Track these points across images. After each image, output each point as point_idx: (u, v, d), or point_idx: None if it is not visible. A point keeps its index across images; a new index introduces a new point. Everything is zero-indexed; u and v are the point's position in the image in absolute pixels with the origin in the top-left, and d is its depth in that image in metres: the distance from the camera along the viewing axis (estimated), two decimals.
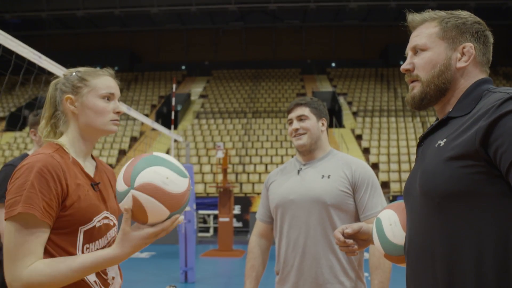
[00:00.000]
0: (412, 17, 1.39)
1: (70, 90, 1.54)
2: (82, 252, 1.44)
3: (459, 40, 1.30)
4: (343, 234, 1.57)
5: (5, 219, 1.35)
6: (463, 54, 1.30)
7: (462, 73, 1.30)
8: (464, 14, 1.34)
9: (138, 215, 1.30)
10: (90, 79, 1.55)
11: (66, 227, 1.41)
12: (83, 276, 1.36)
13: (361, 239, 1.61)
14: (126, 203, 1.29)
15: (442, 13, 1.35)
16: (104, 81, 1.56)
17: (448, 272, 1.17)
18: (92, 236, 1.47)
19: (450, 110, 1.29)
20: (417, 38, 1.35)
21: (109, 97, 1.56)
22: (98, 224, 1.49)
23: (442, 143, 1.21)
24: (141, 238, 1.32)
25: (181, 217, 1.34)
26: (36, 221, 1.33)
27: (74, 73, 1.57)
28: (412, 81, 1.35)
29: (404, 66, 1.36)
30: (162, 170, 1.29)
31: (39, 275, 1.31)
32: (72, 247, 1.42)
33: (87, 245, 1.45)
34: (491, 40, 1.34)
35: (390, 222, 1.49)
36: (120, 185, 1.32)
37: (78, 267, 1.34)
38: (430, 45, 1.32)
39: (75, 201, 1.42)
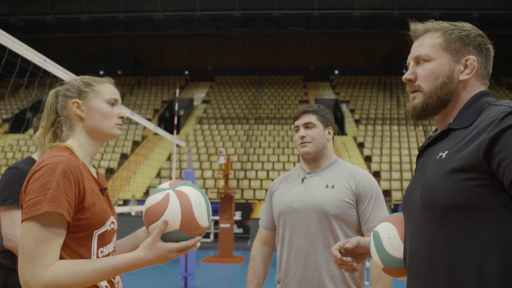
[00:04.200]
0: (415, 27, 1.38)
1: (76, 95, 1.57)
2: (97, 256, 1.46)
3: (463, 52, 1.30)
4: (340, 251, 1.55)
5: (25, 219, 1.34)
6: (466, 66, 1.30)
7: (464, 85, 1.30)
8: (467, 26, 1.34)
9: (156, 210, 1.41)
10: (95, 85, 1.60)
11: (82, 231, 1.42)
12: (104, 279, 1.37)
13: (358, 254, 1.59)
14: (156, 199, 1.41)
15: (445, 24, 1.34)
16: (108, 87, 1.62)
17: (450, 285, 1.16)
18: (104, 239, 1.50)
19: (451, 121, 1.29)
20: (420, 48, 1.34)
21: (113, 103, 1.61)
22: (108, 228, 1.52)
23: (443, 155, 1.21)
24: (166, 250, 1.38)
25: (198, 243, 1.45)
26: (60, 221, 1.34)
27: (78, 80, 1.61)
28: (413, 91, 1.34)
29: (406, 76, 1.35)
30: (201, 198, 1.45)
31: (62, 275, 1.31)
32: (87, 251, 1.43)
33: (101, 249, 1.48)
34: (492, 53, 1.34)
35: (389, 235, 1.46)
36: (163, 185, 1.47)
37: (102, 267, 1.35)
38: (434, 56, 1.31)
39: (91, 205, 1.44)
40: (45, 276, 1.30)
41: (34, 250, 1.31)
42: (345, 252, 1.56)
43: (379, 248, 1.47)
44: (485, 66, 1.32)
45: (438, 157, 1.23)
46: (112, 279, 1.52)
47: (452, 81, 1.29)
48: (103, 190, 1.57)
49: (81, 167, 1.47)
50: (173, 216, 1.38)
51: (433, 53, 1.31)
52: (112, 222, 1.55)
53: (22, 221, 1.36)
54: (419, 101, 1.33)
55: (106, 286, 1.48)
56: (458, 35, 1.31)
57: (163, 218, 1.38)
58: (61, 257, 1.37)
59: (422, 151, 1.33)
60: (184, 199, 1.40)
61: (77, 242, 1.41)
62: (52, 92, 1.62)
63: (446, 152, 1.21)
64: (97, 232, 1.46)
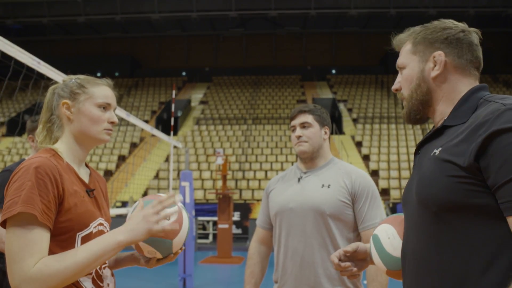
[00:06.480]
0: (395, 42, 1.44)
1: (68, 95, 1.55)
2: None
3: (429, 51, 1.32)
4: (340, 258, 1.54)
5: (3, 221, 1.33)
6: (436, 63, 1.31)
7: (441, 80, 1.30)
8: (436, 24, 1.35)
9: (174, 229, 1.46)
10: (89, 87, 1.56)
11: (64, 233, 1.40)
12: (94, 260, 1.34)
13: (359, 259, 1.59)
14: (171, 211, 1.46)
15: (415, 29, 1.38)
16: (102, 90, 1.58)
17: (443, 282, 1.16)
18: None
19: (446, 118, 1.29)
20: (399, 58, 1.41)
21: (105, 107, 1.57)
22: (94, 230, 1.49)
23: (437, 152, 1.21)
24: (141, 212, 1.41)
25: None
26: (36, 222, 1.32)
27: (73, 80, 1.58)
28: (402, 99, 1.40)
29: (394, 86, 1.43)
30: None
31: (50, 267, 1.29)
32: None
33: None
34: (470, 39, 1.31)
35: (388, 236, 1.45)
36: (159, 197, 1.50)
37: (87, 246, 1.34)
38: (406, 62, 1.37)
39: (72, 206, 1.42)
40: (33, 274, 1.28)
41: (19, 252, 1.30)
42: (345, 258, 1.56)
43: (379, 250, 1.46)
44: (459, 56, 1.30)
45: (432, 154, 1.23)
46: (99, 283, 1.49)
47: (425, 81, 1.32)
48: (89, 192, 1.54)
49: (63, 169, 1.44)
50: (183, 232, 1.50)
51: (405, 59, 1.37)
52: (100, 224, 1.53)
53: (1, 225, 1.36)
54: (405, 107, 1.38)
55: None
56: (423, 36, 1.34)
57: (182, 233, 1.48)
58: None
59: (419, 148, 1.34)
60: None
61: (58, 245, 1.39)
62: (50, 88, 1.60)
63: (440, 149, 1.21)
64: (80, 235, 1.44)
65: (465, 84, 1.30)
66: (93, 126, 1.54)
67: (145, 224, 1.37)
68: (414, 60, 1.35)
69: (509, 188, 1.05)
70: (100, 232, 1.52)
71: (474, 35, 1.32)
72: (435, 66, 1.30)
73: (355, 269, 1.56)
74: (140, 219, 1.38)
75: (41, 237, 1.33)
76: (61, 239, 1.40)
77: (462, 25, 1.33)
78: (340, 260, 1.55)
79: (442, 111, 1.31)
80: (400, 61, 1.39)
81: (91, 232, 1.47)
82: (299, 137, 2.28)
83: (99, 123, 1.55)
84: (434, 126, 1.37)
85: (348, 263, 1.54)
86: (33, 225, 1.32)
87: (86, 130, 1.53)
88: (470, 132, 1.15)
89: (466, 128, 1.18)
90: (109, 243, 1.35)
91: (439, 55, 1.30)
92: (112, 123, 1.58)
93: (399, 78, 1.41)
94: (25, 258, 1.29)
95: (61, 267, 1.30)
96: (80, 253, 1.33)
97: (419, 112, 1.35)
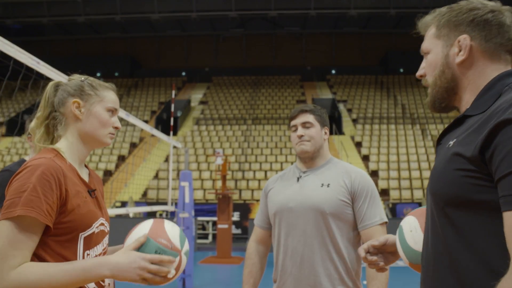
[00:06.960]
0: (419, 25, 1.35)
1: (78, 94, 1.55)
2: (83, 259, 1.43)
3: (454, 34, 1.23)
4: (368, 250, 1.51)
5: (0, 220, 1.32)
6: (460, 48, 1.22)
7: (466, 66, 1.22)
8: (462, 4, 1.25)
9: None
10: (101, 90, 1.58)
11: (66, 234, 1.40)
12: (75, 282, 1.33)
13: (388, 252, 1.55)
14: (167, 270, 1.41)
15: (441, 10, 1.29)
16: (111, 95, 1.61)
17: (448, 281, 1.13)
18: (91, 242, 1.47)
19: (468, 107, 1.21)
20: (423, 42, 1.32)
21: (113, 111, 1.60)
22: (96, 230, 1.49)
23: (451, 143, 1.14)
24: (138, 256, 1.37)
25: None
26: (35, 224, 1.31)
27: (84, 80, 1.59)
28: (427, 85, 1.32)
29: (418, 72, 1.34)
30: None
31: (28, 276, 1.28)
32: (72, 254, 1.41)
33: (87, 252, 1.45)
34: (500, 20, 1.20)
35: (411, 229, 1.43)
36: (166, 243, 1.46)
37: (69, 268, 1.32)
38: (430, 47, 1.28)
39: (75, 207, 1.42)
40: (11, 277, 1.27)
41: (2, 250, 1.29)
42: (374, 251, 1.53)
43: (402, 243, 1.45)
44: (487, 39, 1.19)
45: (447, 145, 1.17)
46: (101, 282, 1.49)
47: (450, 67, 1.24)
48: (91, 192, 1.54)
49: (66, 169, 1.44)
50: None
51: (430, 44, 1.29)
52: (102, 224, 1.53)
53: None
54: (429, 95, 1.30)
55: None
56: (447, 19, 1.25)
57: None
58: (45, 260, 1.35)
59: (440, 138, 1.27)
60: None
61: (61, 245, 1.38)
62: (52, 84, 1.59)
63: (454, 140, 1.14)
64: (82, 235, 1.44)
65: (493, 70, 1.20)
66: (101, 128, 1.55)
67: (135, 276, 1.36)
68: (438, 45, 1.26)
69: (507, 182, 0.99)
70: (102, 232, 1.53)
71: (508, 14, 1.21)
72: (460, 51, 1.21)
73: (382, 263, 1.52)
74: (135, 266, 1.36)
75: (30, 239, 1.32)
76: (64, 240, 1.39)
77: (492, 4, 1.22)
78: (368, 253, 1.52)
79: (468, 99, 1.22)
80: (424, 45, 1.31)
81: (93, 232, 1.47)
82: (301, 136, 2.27)
83: (106, 127, 1.57)
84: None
85: (375, 257, 1.51)
86: (27, 228, 1.31)
87: (93, 131, 1.55)
88: (482, 123, 1.08)
89: (482, 118, 1.10)
90: (93, 274, 1.34)
91: (464, 39, 1.20)
92: (115, 128, 1.60)
93: (423, 64, 1.32)
94: (7, 258, 1.28)
95: (38, 282, 1.29)
96: (62, 275, 1.31)
97: (444, 100, 1.27)
